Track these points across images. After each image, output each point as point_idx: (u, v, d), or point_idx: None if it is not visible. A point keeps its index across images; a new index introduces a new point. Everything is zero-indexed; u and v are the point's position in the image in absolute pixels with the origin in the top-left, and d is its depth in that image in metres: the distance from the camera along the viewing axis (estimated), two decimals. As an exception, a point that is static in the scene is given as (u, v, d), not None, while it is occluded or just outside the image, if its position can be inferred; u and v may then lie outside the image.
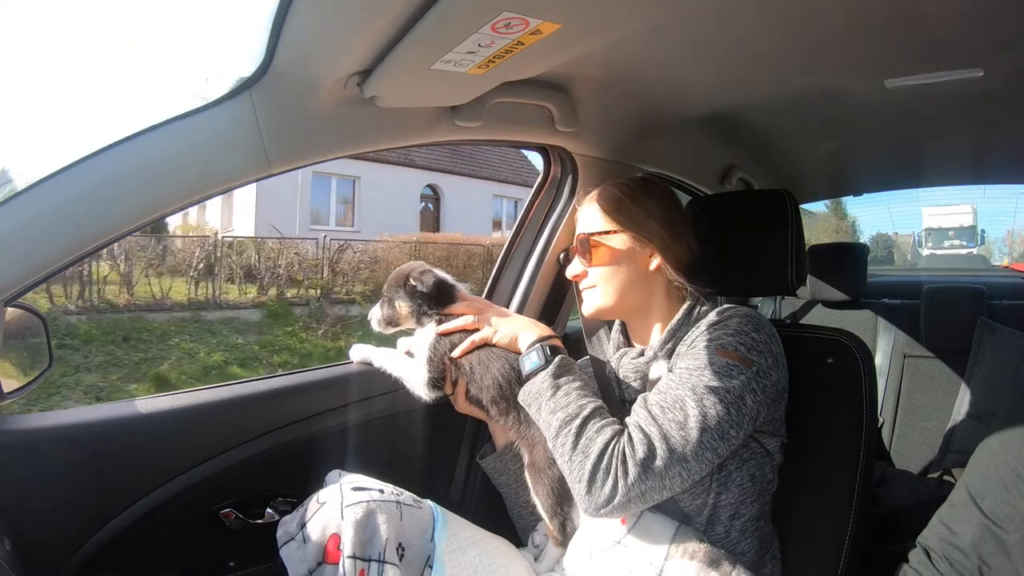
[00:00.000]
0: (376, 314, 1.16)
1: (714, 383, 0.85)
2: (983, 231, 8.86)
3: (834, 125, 1.51)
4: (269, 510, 1.08)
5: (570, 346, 1.19)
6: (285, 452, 1.10)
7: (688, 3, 0.81)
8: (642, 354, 1.03)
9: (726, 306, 0.99)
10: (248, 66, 0.84)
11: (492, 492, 1.21)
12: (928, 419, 1.78)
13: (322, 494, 0.87)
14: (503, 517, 1.19)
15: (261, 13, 0.75)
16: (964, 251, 8.35)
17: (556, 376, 0.95)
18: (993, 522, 0.86)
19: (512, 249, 1.45)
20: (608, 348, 1.13)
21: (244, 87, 0.85)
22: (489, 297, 1.46)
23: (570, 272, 1.08)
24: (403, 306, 1.13)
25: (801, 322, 2.00)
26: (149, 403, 1.00)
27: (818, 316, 2.03)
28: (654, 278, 1.03)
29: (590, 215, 1.06)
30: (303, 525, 0.84)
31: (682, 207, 1.08)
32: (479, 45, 0.74)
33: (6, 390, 0.84)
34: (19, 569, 0.73)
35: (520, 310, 1.42)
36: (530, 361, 0.99)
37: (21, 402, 0.91)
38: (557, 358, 0.97)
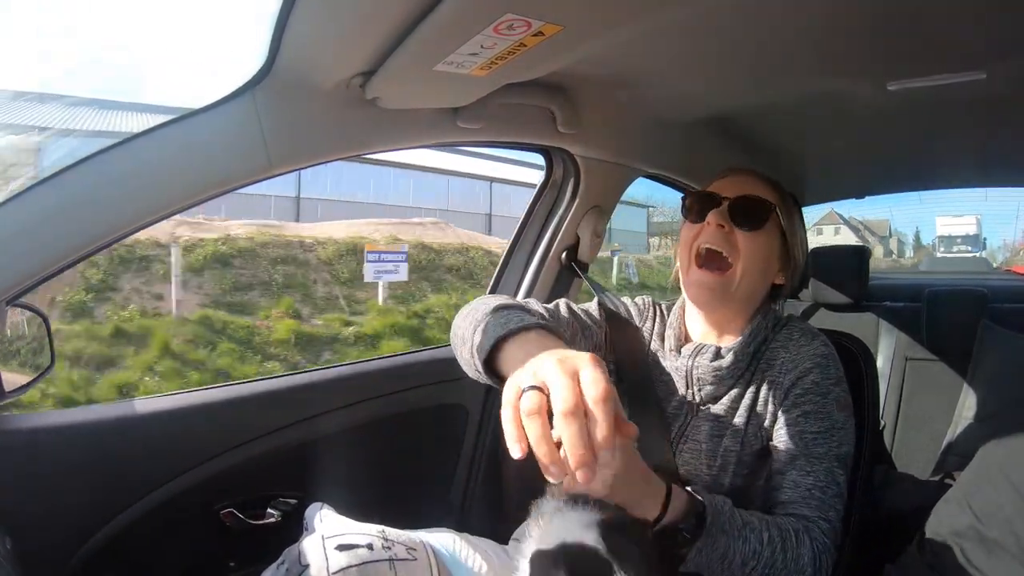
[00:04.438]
0: None
1: (845, 448, 0.87)
2: (985, 238, 11.70)
3: (836, 128, 1.51)
4: (270, 510, 1.08)
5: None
6: (286, 453, 1.10)
7: (691, 6, 0.81)
8: (718, 355, 0.93)
9: (813, 330, 0.95)
10: (250, 67, 0.84)
11: (493, 493, 1.21)
12: (930, 422, 1.77)
13: (305, 550, 0.75)
14: (504, 517, 1.18)
15: (263, 14, 0.75)
16: (969, 255, 10.37)
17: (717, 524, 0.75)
18: (978, 519, 0.87)
19: (513, 252, 1.45)
20: (650, 338, 1.03)
21: (246, 88, 0.85)
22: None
23: (707, 237, 0.91)
24: None
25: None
26: (149, 403, 1.00)
27: (820, 319, 2.02)
28: (766, 289, 0.96)
29: (748, 182, 0.94)
30: None
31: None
32: (482, 47, 0.74)
33: (8, 389, 0.84)
34: (20, 569, 0.73)
35: None
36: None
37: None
38: (707, 513, 0.75)
